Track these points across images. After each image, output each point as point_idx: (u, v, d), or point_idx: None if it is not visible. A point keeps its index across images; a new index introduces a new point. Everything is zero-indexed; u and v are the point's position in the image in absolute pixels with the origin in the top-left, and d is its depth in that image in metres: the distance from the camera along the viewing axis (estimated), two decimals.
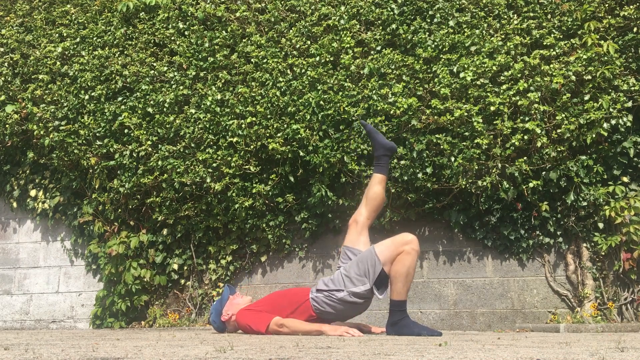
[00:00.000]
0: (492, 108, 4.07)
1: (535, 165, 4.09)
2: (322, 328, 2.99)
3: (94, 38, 5.28)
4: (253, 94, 4.61)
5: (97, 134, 4.93)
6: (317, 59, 4.56)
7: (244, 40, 4.88)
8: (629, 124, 4.03)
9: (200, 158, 4.56)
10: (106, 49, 5.18)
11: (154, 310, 4.82)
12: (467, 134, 4.13)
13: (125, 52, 5.14)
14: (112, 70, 5.03)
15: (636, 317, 4.06)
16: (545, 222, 4.21)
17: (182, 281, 4.88)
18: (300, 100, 4.44)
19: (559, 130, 4.01)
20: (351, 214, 3.47)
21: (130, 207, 4.89)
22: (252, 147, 4.51)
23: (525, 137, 4.02)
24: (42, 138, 5.05)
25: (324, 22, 4.73)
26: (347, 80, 4.47)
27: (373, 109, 4.30)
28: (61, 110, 5.06)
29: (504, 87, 4.13)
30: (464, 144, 4.11)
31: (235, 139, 4.50)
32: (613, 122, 4.00)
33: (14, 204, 5.42)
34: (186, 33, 5.07)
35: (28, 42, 5.47)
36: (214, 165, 4.53)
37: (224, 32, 4.91)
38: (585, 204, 4.09)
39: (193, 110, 4.70)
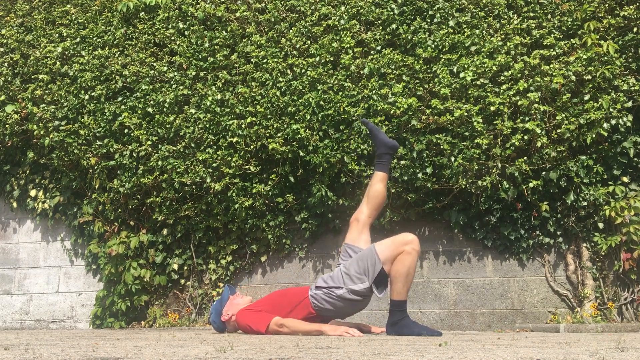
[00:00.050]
0: (492, 108, 4.07)
1: (535, 165, 4.09)
2: (322, 328, 2.99)
3: (94, 38, 5.28)
4: (253, 94, 4.61)
5: (97, 134, 4.93)
6: (317, 59, 4.56)
7: (244, 40, 4.88)
8: (629, 124, 4.03)
9: (200, 158, 4.56)
10: (106, 49, 5.18)
11: (154, 310, 4.82)
12: (467, 134, 4.13)
13: (125, 52, 5.14)
14: (112, 70, 5.03)
15: (636, 317, 4.06)
16: (545, 222, 4.21)
17: (182, 281, 4.88)
18: (300, 100, 4.44)
19: (559, 130, 4.01)
20: (351, 214, 3.47)
21: (130, 207, 4.89)
22: (252, 147, 4.51)
23: (525, 137, 4.02)
24: (42, 138, 5.05)
25: (324, 22, 4.73)
26: (347, 80, 4.47)
27: (373, 109, 4.30)
28: (61, 110, 5.06)
29: (504, 87, 4.13)
30: (464, 144, 4.11)
31: (235, 139, 4.50)
32: (613, 122, 4.00)
33: (14, 204, 5.43)
34: (186, 33, 5.07)
35: (28, 42, 5.47)
36: (214, 165, 4.53)
37: (224, 32, 4.91)
38: (585, 204, 4.09)
39: (193, 110, 4.70)
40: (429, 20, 4.57)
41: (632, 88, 4.04)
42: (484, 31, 4.38)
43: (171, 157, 4.67)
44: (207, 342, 2.38)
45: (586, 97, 4.07)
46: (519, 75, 4.15)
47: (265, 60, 4.72)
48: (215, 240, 4.81)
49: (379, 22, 4.63)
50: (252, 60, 4.79)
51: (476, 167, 4.07)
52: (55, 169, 5.19)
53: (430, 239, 4.48)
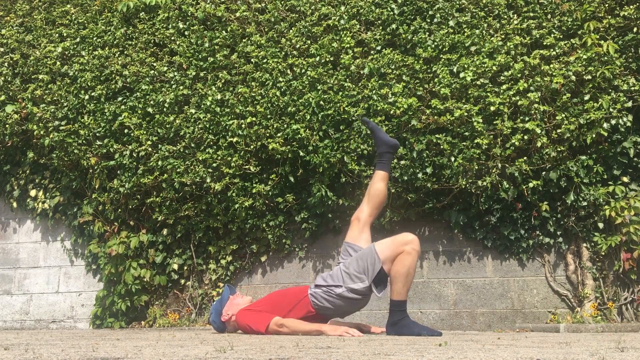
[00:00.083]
0: (492, 108, 4.07)
1: (535, 165, 4.09)
2: (322, 328, 2.99)
3: (94, 38, 5.28)
4: (253, 94, 4.61)
5: (97, 134, 4.93)
6: (317, 59, 4.56)
7: (244, 40, 4.88)
8: (629, 124, 4.03)
9: (200, 158, 4.56)
10: (106, 49, 5.18)
11: (154, 310, 4.82)
12: (467, 134, 4.13)
13: (125, 52, 5.14)
14: (112, 70, 5.03)
15: (636, 317, 4.06)
16: (545, 222, 4.21)
17: (182, 281, 4.88)
18: (300, 100, 4.44)
19: (559, 130, 4.01)
20: (351, 214, 3.47)
21: (130, 207, 4.89)
22: (252, 147, 4.51)
23: (525, 137, 4.02)
24: (42, 138, 5.05)
25: (324, 22, 4.73)
26: (347, 80, 4.47)
27: (373, 109, 4.30)
28: (61, 110, 5.06)
29: (504, 87, 4.13)
30: (464, 144, 4.11)
31: (235, 139, 4.50)
32: (613, 122, 4.00)
33: (14, 204, 5.43)
34: (186, 33, 5.07)
35: (28, 42, 5.47)
36: (214, 165, 4.53)
37: (224, 32, 4.91)
38: (585, 204, 4.09)
39: (193, 110, 4.70)
40: (429, 20, 4.57)
41: (632, 88, 4.04)
42: (484, 31, 4.38)
43: (171, 157, 4.67)
44: (207, 342, 2.38)
45: (586, 97, 4.07)
46: (519, 75, 4.15)
47: (265, 60, 4.72)
48: (215, 240, 4.81)
49: (379, 22, 4.63)
50: (252, 60, 4.79)
51: (476, 167, 4.07)
52: (55, 169, 5.19)
53: (430, 239, 4.48)
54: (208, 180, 4.52)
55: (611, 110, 3.99)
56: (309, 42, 4.70)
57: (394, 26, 4.54)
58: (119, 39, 5.18)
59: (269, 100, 4.53)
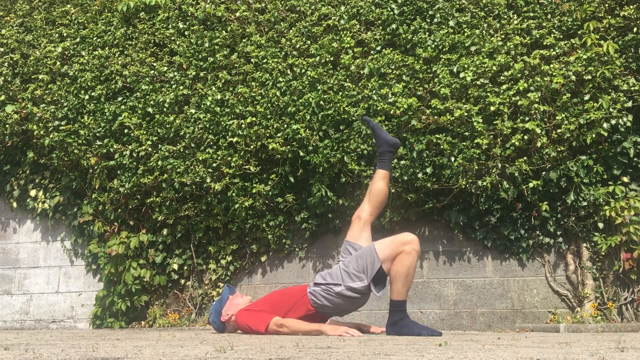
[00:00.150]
0: (492, 108, 4.07)
1: (535, 165, 4.09)
2: (321, 328, 2.99)
3: (94, 38, 5.28)
4: (253, 94, 4.61)
5: (97, 134, 4.93)
6: (317, 59, 4.56)
7: (244, 40, 4.88)
8: (629, 124, 4.03)
9: (200, 158, 4.56)
10: (106, 49, 5.18)
11: (154, 310, 4.82)
12: (467, 134, 4.13)
13: (125, 52, 5.15)
14: (112, 70, 5.04)
15: (636, 317, 4.06)
16: (545, 222, 4.21)
17: (182, 281, 4.88)
18: (300, 100, 4.44)
19: (559, 130, 4.01)
20: (351, 214, 3.47)
21: (130, 207, 4.89)
22: (252, 147, 4.51)
23: (525, 137, 4.02)
24: (42, 138, 5.05)
25: (324, 22, 4.73)
26: (347, 80, 4.47)
27: (373, 109, 4.30)
28: (61, 110, 5.06)
29: (504, 87, 4.13)
30: (464, 144, 4.11)
31: (235, 139, 4.50)
32: (613, 122, 4.00)
33: (14, 204, 5.43)
34: (186, 33, 5.07)
35: (28, 42, 5.47)
36: (214, 165, 4.53)
37: (224, 32, 4.91)
38: (585, 204, 4.09)
39: (193, 110, 4.70)
40: (429, 20, 4.57)
41: (632, 88, 4.04)
42: (484, 31, 4.38)
43: (171, 157, 4.67)
44: (207, 342, 2.38)
45: (586, 97, 4.07)
46: (519, 75, 4.15)
47: (265, 60, 4.72)
48: (215, 240, 4.81)
49: (379, 22, 4.63)
50: (252, 60, 4.79)
51: (476, 167, 4.07)
52: (55, 169, 5.19)
53: (430, 239, 4.48)
54: (208, 180, 4.52)
55: (611, 110, 3.99)
56: (309, 42, 4.70)
57: (394, 26, 4.54)
58: (119, 39, 5.19)
59: (269, 100, 4.53)
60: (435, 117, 4.16)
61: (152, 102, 4.83)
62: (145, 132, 4.77)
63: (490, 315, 4.28)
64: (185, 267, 4.86)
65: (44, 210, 5.27)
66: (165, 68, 4.95)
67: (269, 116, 4.51)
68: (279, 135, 4.43)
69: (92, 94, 5.02)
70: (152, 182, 4.70)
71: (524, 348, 2.00)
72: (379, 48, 4.57)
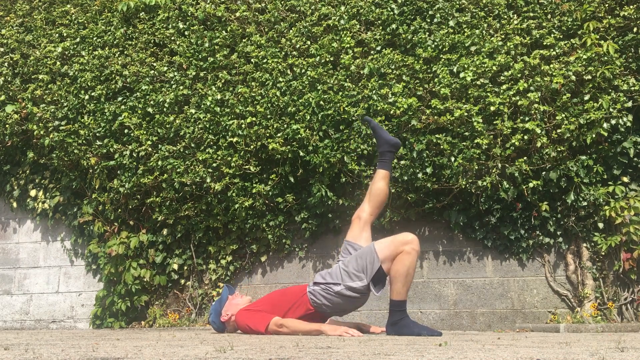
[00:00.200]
0: (492, 108, 4.07)
1: (535, 165, 4.09)
2: (321, 328, 2.99)
3: (94, 38, 5.28)
4: (253, 94, 4.61)
5: (97, 134, 4.93)
6: (317, 59, 4.56)
7: (244, 40, 4.88)
8: (629, 124, 4.03)
9: (200, 158, 4.56)
10: (106, 49, 5.18)
11: (154, 310, 4.82)
12: (467, 134, 4.13)
13: (125, 52, 5.15)
14: (112, 70, 5.04)
15: (636, 317, 4.06)
16: (545, 222, 4.21)
17: (182, 281, 4.88)
18: (300, 100, 4.44)
19: (559, 130, 4.01)
20: (351, 214, 3.47)
21: (130, 207, 4.89)
22: (252, 147, 4.51)
23: (525, 137, 4.02)
24: (42, 138, 5.05)
25: (324, 22, 4.73)
26: (347, 80, 4.47)
27: (373, 109, 4.30)
28: (61, 110, 5.06)
29: (504, 87, 4.13)
30: (464, 144, 4.11)
31: (235, 139, 4.50)
32: (613, 122, 4.00)
33: (14, 204, 5.43)
34: (186, 33, 5.07)
35: (28, 42, 5.47)
36: (214, 165, 4.53)
37: (224, 32, 4.91)
38: (585, 204, 4.09)
39: (193, 110, 4.70)
40: (429, 20, 4.57)
41: (632, 88, 4.04)
42: (484, 31, 4.38)
43: (171, 157, 4.67)
44: (207, 342, 2.38)
45: (586, 97, 4.07)
46: (519, 75, 4.15)
47: (265, 60, 4.72)
48: (215, 240, 4.81)
49: (379, 22, 4.63)
50: (252, 60, 4.79)
51: (476, 167, 4.07)
52: (55, 169, 5.19)
53: (430, 239, 4.48)
54: (208, 180, 4.52)
55: (611, 110, 3.99)
56: (309, 42, 4.70)
57: (394, 26, 4.54)
58: (119, 39, 5.19)
59: (269, 100, 4.53)
60: (435, 117, 4.16)
61: (152, 102, 4.83)
62: (145, 132, 4.77)
63: (490, 315, 4.28)
64: (185, 267, 4.86)
65: (44, 210, 5.27)
66: (165, 68, 4.95)
67: (269, 116, 4.51)
68: (279, 135, 4.43)
69: (92, 94, 5.02)
70: (152, 182, 4.70)
71: (524, 348, 2.00)
72: (379, 48, 4.57)
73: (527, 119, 4.07)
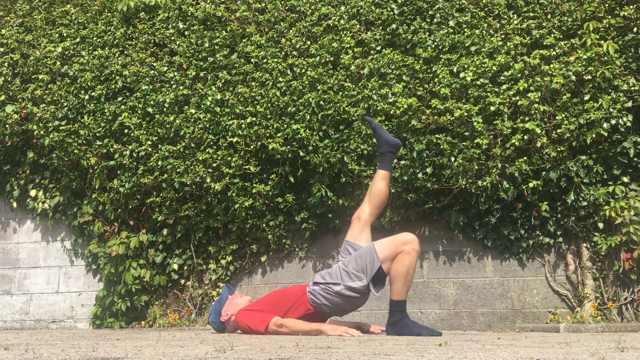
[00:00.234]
0: (492, 108, 4.07)
1: (535, 165, 4.09)
2: (321, 327, 2.99)
3: (94, 38, 5.28)
4: (253, 94, 4.61)
5: (97, 134, 4.93)
6: (317, 59, 4.56)
7: (244, 40, 4.88)
8: (629, 124, 4.03)
9: (200, 158, 4.56)
10: (106, 49, 5.18)
11: (154, 310, 4.82)
12: (467, 134, 4.13)
13: (125, 52, 5.15)
14: (112, 70, 5.04)
15: (636, 317, 4.06)
16: (545, 222, 4.21)
17: (182, 281, 4.88)
18: (300, 100, 4.44)
19: (559, 130, 4.01)
20: (351, 214, 3.47)
21: (130, 207, 4.89)
22: (252, 147, 4.51)
23: (525, 137, 4.02)
24: (42, 138, 5.05)
25: (324, 22, 4.73)
26: (347, 80, 4.47)
27: (373, 109, 4.30)
28: (61, 110, 5.06)
29: (504, 87, 4.13)
30: (464, 144, 4.11)
31: (235, 139, 4.50)
32: (613, 122, 4.00)
33: (14, 204, 5.43)
34: (186, 33, 5.07)
35: (28, 42, 5.47)
36: (214, 165, 4.53)
37: (224, 32, 4.91)
38: (585, 204, 4.09)
39: (193, 110, 4.70)
40: (429, 20, 4.57)
41: (632, 88, 4.04)
42: (484, 31, 4.38)
43: (171, 157, 4.67)
44: (207, 342, 2.38)
45: (586, 97, 4.07)
46: (519, 75, 4.15)
47: (265, 60, 4.72)
48: (215, 240, 4.81)
49: (379, 22, 4.63)
50: (252, 60, 4.79)
51: (476, 167, 4.07)
52: (55, 169, 5.20)
53: (430, 239, 4.48)
54: (208, 180, 4.52)
55: (611, 110, 3.99)
56: (309, 42, 4.70)
57: (394, 26, 4.54)
58: (119, 39, 5.19)
59: (269, 100, 4.53)
60: (435, 117, 4.16)
61: (152, 102, 4.83)
62: (145, 132, 4.77)
63: (490, 315, 4.28)
64: (185, 267, 4.86)
65: (44, 210, 5.27)
66: (165, 68, 4.95)
67: (269, 116, 4.51)
68: (279, 135, 4.43)
69: (92, 94, 5.02)
70: (152, 182, 4.70)
71: (524, 348, 2.00)
72: (379, 48, 4.57)
73: (527, 119, 4.07)
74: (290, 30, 4.80)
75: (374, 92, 4.32)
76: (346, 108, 4.33)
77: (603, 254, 4.11)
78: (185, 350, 1.90)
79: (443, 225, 4.46)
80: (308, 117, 4.37)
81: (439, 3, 4.54)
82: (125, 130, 4.86)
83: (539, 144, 4.01)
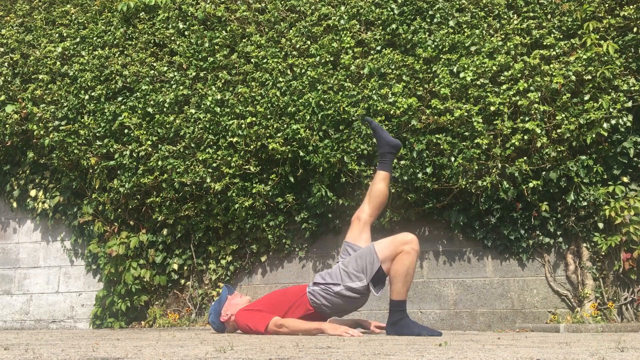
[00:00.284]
0: (492, 108, 4.07)
1: (535, 165, 4.09)
2: (321, 327, 2.99)
3: (94, 38, 5.28)
4: (253, 94, 4.62)
5: (97, 134, 4.93)
6: (317, 59, 4.56)
7: (244, 40, 4.88)
8: (629, 124, 4.03)
9: (200, 158, 4.56)
10: (106, 49, 5.18)
11: (154, 310, 4.82)
12: (467, 134, 4.13)
13: (125, 52, 5.15)
14: (112, 70, 5.04)
15: (636, 317, 4.06)
16: (545, 222, 4.21)
17: (182, 281, 4.88)
18: (300, 100, 4.44)
19: (559, 130, 4.01)
20: (351, 214, 3.47)
21: (130, 207, 4.89)
22: (252, 147, 4.51)
23: (525, 137, 4.02)
24: (42, 138, 5.05)
25: (324, 22, 4.73)
26: (347, 80, 4.47)
27: (373, 109, 4.30)
28: (61, 110, 5.06)
29: (504, 87, 4.13)
30: (464, 144, 4.11)
31: (235, 139, 4.50)
32: (613, 122, 4.00)
33: (14, 204, 5.43)
34: (186, 33, 5.07)
35: (28, 42, 5.47)
36: (214, 165, 4.53)
37: (224, 32, 4.91)
38: (585, 204, 4.09)
39: (193, 110, 4.70)
40: (429, 20, 4.57)
41: (632, 88, 4.04)
42: (484, 31, 4.38)
43: (171, 157, 4.67)
44: (207, 342, 2.38)
45: (586, 97, 4.07)
46: (519, 75, 4.15)
47: (265, 60, 4.72)
48: (215, 240, 4.81)
49: (379, 22, 4.63)
50: (252, 60, 4.79)
51: (476, 167, 4.07)
52: (55, 169, 5.20)
53: (430, 239, 4.48)
54: (208, 180, 4.52)
55: (611, 110, 3.99)
56: (309, 42, 4.70)
57: (394, 26, 4.54)
58: (119, 39, 5.19)
59: (269, 100, 4.53)
60: (435, 117, 4.16)
61: (152, 102, 4.83)
62: (145, 132, 4.77)
63: (490, 315, 4.28)
64: (185, 267, 4.86)
65: (44, 210, 5.27)
66: (165, 68, 4.95)
67: (269, 116, 4.51)
68: (279, 135, 4.43)
69: (92, 94, 5.02)
70: (152, 182, 4.70)
71: (524, 348, 2.00)
72: (379, 48, 4.57)
73: (527, 119, 4.07)
74: (290, 30, 4.80)
75: (374, 92, 4.32)
76: (346, 108, 4.33)
77: (603, 254, 4.11)
78: (185, 350, 1.90)
79: (443, 225, 4.46)
80: (308, 117, 4.37)
81: (439, 3, 4.54)
82: (125, 130, 4.86)
83: (539, 144, 4.01)
